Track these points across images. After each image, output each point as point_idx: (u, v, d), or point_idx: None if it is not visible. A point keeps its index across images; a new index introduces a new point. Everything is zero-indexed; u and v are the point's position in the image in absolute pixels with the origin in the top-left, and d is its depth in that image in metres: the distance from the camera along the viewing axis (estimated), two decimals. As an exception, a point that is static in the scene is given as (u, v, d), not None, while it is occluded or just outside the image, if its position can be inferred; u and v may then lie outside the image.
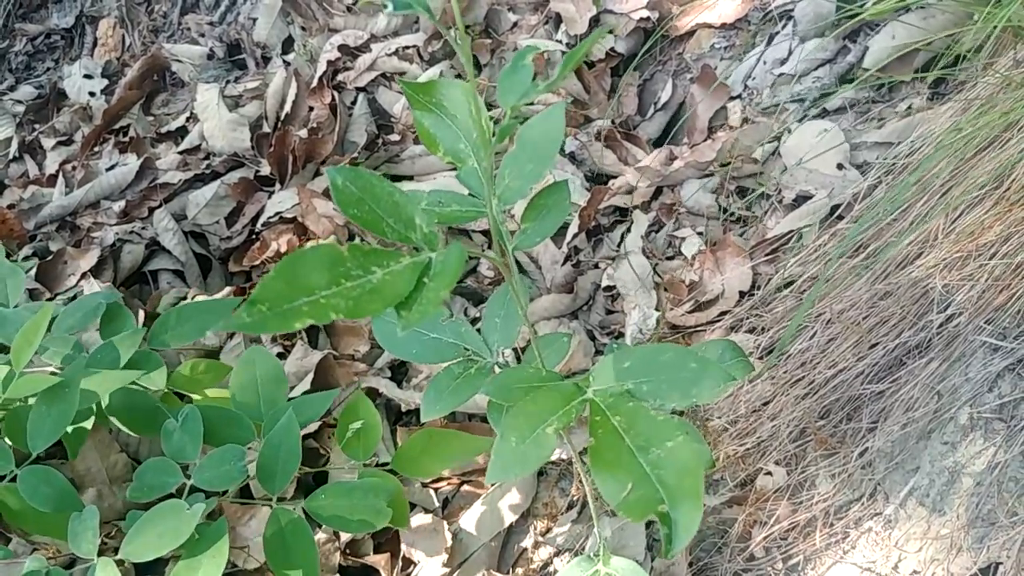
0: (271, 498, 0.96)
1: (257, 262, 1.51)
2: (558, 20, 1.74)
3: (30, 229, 1.65)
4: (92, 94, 1.96)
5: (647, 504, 0.52)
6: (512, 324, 0.83)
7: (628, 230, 1.46)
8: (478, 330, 0.84)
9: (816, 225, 1.29)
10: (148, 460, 0.97)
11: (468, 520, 1.15)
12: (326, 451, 1.22)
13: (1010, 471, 0.91)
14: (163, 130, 1.83)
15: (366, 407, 1.04)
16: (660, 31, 1.67)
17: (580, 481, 1.17)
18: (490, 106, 1.64)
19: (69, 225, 1.65)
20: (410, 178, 1.62)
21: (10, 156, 1.89)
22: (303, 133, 1.64)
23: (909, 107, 1.36)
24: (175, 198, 1.65)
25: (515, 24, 1.79)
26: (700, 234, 1.41)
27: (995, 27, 1.10)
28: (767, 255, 1.33)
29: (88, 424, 1.01)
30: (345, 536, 1.14)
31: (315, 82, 1.75)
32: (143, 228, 1.59)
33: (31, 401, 0.96)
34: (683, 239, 1.42)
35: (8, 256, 1.53)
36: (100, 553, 0.88)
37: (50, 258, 1.53)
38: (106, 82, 2.00)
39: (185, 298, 1.46)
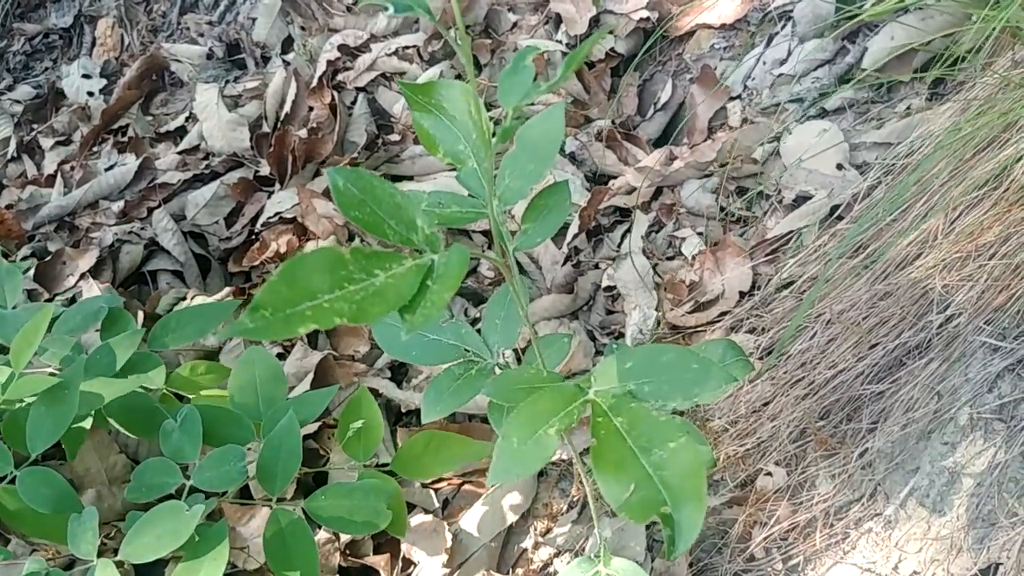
0: (271, 499, 0.96)
1: (257, 262, 1.51)
2: (558, 20, 1.74)
3: (28, 229, 1.64)
4: (91, 94, 1.96)
5: (650, 505, 0.52)
6: (512, 325, 0.83)
7: (628, 230, 1.46)
8: (478, 331, 0.84)
9: (816, 225, 1.29)
10: (147, 460, 0.97)
11: (468, 520, 1.15)
12: (326, 451, 1.22)
13: (1010, 471, 0.91)
14: (162, 130, 1.82)
15: (368, 404, 1.03)
16: (660, 31, 1.67)
17: (580, 482, 1.16)
18: (490, 106, 1.64)
19: (68, 225, 1.65)
20: (410, 178, 1.62)
21: (8, 156, 1.88)
22: (303, 133, 1.64)
23: (908, 107, 1.36)
24: (174, 198, 1.64)
25: (515, 24, 1.79)
26: (700, 234, 1.41)
27: (994, 28, 1.10)
28: (767, 255, 1.33)
29: (87, 425, 1.01)
30: (345, 537, 1.13)
31: (315, 82, 1.74)
32: (142, 228, 1.59)
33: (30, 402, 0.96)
34: (683, 239, 1.42)
35: (6, 256, 1.53)
36: (99, 554, 0.88)
37: (48, 258, 1.53)
38: (105, 82, 1.99)
39: (184, 298, 1.45)
